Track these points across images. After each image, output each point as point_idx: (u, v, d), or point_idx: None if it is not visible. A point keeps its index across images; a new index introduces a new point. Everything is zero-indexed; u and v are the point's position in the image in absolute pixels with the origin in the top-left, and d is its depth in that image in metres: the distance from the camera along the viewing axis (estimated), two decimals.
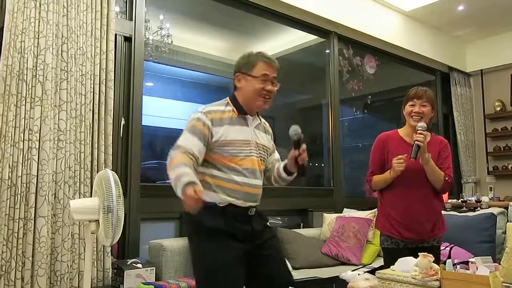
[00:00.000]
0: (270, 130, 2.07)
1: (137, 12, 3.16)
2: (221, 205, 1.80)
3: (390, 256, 2.26)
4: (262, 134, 1.99)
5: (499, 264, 2.61)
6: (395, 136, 2.40)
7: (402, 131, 2.43)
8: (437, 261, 2.00)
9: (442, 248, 3.10)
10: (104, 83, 2.79)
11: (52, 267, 2.49)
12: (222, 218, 1.80)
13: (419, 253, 1.77)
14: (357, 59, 4.96)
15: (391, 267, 1.89)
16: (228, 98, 1.95)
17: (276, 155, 2.10)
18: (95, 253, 2.62)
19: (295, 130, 1.84)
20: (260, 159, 1.93)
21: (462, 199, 4.65)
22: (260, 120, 2.02)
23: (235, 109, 1.90)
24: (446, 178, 2.27)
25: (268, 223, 1.99)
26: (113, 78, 2.83)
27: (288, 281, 1.96)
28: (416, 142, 2.17)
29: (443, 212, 2.44)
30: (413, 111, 2.34)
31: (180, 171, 1.65)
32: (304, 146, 1.84)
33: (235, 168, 1.84)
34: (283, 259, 2.05)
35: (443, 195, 2.41)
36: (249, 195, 1.86)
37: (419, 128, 2.23)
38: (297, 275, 2.93)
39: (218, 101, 1.96)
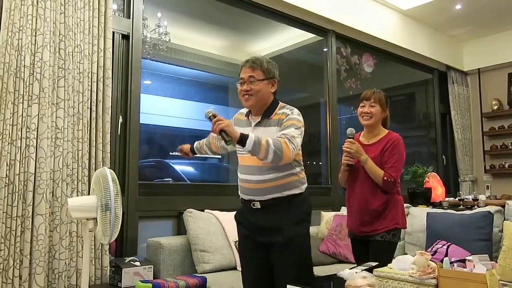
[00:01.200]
0: (282, 116, 2.03)
1: (134, 10, 3.16)
2: (241, 199, 2.13)
3: (351, 247, 2.64)
4: (266, 129, 2.03)
5: (496, 262, 2.62)
6: (357, 138, 2.61)
7: (362, 133, 2.65)
8: (386, 259, 2.10)
9: (439, 246, 3.12)
10: (102, 81, 2.79)
11: (50, 265, 2.49)
12: (239, 211, 2.17)
13: (416, 251, 1.78)
14: (355, 58, 4.97)
15: (388, 265, 1.90)
16: None
17: (281, 131, 1.99)
18: (93, 251, 2.62)
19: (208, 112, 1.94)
20: None
21: (459, 198, 4.66)
22: (269, 116, 2.06)
23: (246, 113, 2.17)
24: (385, 178, 2.39)
25: (283, 224, 1.99)
26: (110, 76, 2.83)
27: None
28: (344, 162, 2.50)
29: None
30: (363, 111, 2.54)
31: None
32: (217, 118, 1.88)
33: (240, 166, 2.12)
34: (288, 277, 1.90)
35: (397, 193, 2.50)
36: (247, 190, 2.07)
37: (348, 135, 2.52)
38: None
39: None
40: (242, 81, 2.05)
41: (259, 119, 2.07)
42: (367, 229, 2.45)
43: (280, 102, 2.12)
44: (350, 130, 2.54)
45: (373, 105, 2.51)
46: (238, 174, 2.13)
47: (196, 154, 2.42)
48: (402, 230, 2.55)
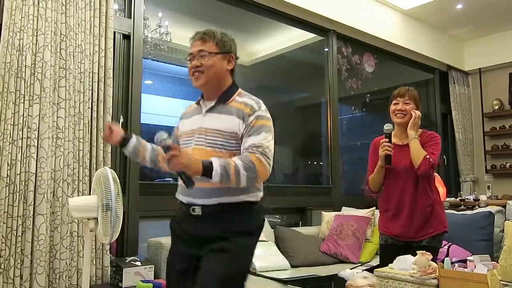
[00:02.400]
0: (246, 110, 1.66)
1: (135, 10, 3.16)
2: (178, 202, 1.74)
3: (381, 252, 2.47)
4: (221, 116, 1.67)
5: (497, 262, 2.62)
6: (384, 141, 2.44)
7: (392, 133, 2.46)
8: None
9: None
10: (103, 81, 2.79)
11: (51, 264, 2.49)
12: (174, 218, 1.79)
13: (417, 251, 1.78)
14: (356, 58, 4.96)
15: (389, 265, 1.90)
16: None
17: (248, 141, 1.63)
18: (94, 251, 2.62)
19: (160, 137, 1.51)
20: (211, 147, 1.63)
21: (460, 198, 4.66)
22: (226, 101, 1.70)
23: (198, 100, 1.81)
24: (427, 156, 2.26)
25: (222, 234, 1.61)
26: (111, 76, 2.83)
27: None
28: (383, 153, 2.31)
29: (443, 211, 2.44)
30: (396, 109, 2.41)
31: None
32: (172, 152, 1.47)
33: None
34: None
35: (438, 195, 2.40)
36: (186, 190, 1.63)
37: (384, 131, 2.34)
38: (295, 273, 2.93)
39: None
40: (191, 56, 1.71)
41: (213, 104, 1.71)
42: (416, 234, 2.30)
43: (239, 88, 1.78)
44: (388, 126, 2.35)
45: (408, 103, 2.40)
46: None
47: (125, 146, 1.84)
48: None
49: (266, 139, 1.63)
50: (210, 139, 1.64)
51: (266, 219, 1.80)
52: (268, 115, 1.70)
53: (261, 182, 1.67)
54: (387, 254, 2.32)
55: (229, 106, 1.68)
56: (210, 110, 1.71)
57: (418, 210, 2.30)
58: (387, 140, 2.32)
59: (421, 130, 2.43)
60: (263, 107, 1.70)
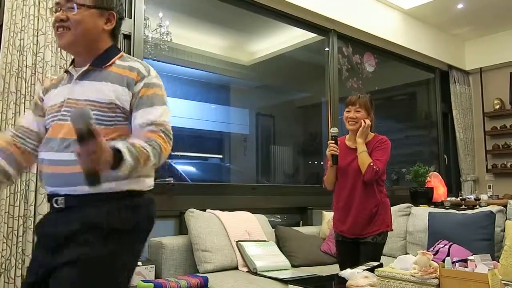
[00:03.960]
0: (132, 75, 1.36)
1: (136, 10, 3.16)
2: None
3: (337, 248, 2.66)
4: (97, 84, 1.35)
5: (498, 262, 2.61)
6: (341, 141, 2.64)
7: (346, 136, 2.68)
8: (376, 259, 2.31)
9: (441, 246, 3.12)
10: None
11: None
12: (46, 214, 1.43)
13: (418, 251, 1.78)
14: (357, 57, 4.96)
15: (390, 264, 1.90)
16: None
17: (141, 116, 1.33)
18: None
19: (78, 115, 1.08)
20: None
21: (461, 197, 4.66)
22: (103, 65, 1.38)
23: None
24: (371, 164, 2.43)
25: (84, 235, 1.24)
26: None
27: None
28: (329, 153, 2.51)
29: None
30: (348, 116, 2.57)
31: None
32: (88, 146, 1.06)
33: (43, 142, 1.39)
34: None
35: (385, 196, 2.56)
36: (50, 175, 1.33)
37: (331, 134, 2.55)
38: (296, 273, 2.94)
39: None
40: (57, 7, 1.37)
41: (85, 69, 1.37)
42: (361, 232, 2.49)
43: (122, 52, 1.46)
44: (334, 130, 2.57)
45: (358, 110, 2.54)
46: (40, 153, 1.39)
47: None
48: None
49: (164, 114, 1.36)
50: None
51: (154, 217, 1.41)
52: (160, 82, 1.42)
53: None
54: (341, 251, 2.61)
55: (107, 71, 1.37)
56: (81, 77, 1.38)
57: (364, 209, 2.48)
58: (333, 141, 2.51)
59: (373, 134, 2.60)
60: (154, 72, 1.42)
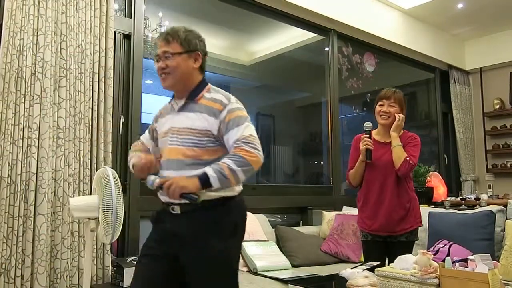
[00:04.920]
0: (216, 106, 1.66)
1: (136, 10, 3.16)
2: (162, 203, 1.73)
3: (364, 249, 2.56)
4: (191, 114, 1.67)
5: (498, 261, 2.61)
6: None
7: (375, 131, 2.60)
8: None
9: (441, 245, 3.11)
10: (103, 80, 2.79)
11: (51, 264, 2.49)
12: (156, 213, 1.75)
13: (418, 251, 1.78)
14: (357, 57, 4.96)
15: (390, 264, 1.89)
16: None
17: (232, 137, 1.62)
18: (95, 251, 2.62)
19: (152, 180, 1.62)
20: (185, 146, 1.64)
21: (461, 197, 4.66)
22: (194, 99, 1.70)
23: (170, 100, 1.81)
24: (407, 158, 2.39)
25: (199, 238, 1.61)
26: (112, 76, 2.83)
27: None
28: (363, 147, 2.43)
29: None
30: (381, 110, 2.52)
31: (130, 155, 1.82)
32: (165, 185, 1.56)
33: (162, 161, 1.75)
34: None
35: (414, 192, 2.53)
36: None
37: (364, 128, 2.47)
38: (296, 272, 2.93)
39: None
40: (157, 58, 1.71)
41: (183, 103, 1.71)
42: (395, 228, 2.41)
43: (209, 84, 1.77)
44: (368, 124, 2.50)
45: (392, 105, 2.50)
46: (160, 171, 1.75)
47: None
48: None
49: (246, 129, 1.62)
50: (182, 138, 1.65)
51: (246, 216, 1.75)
52: (240, 105, 1.70)
53: (258, 168, 1.63)
54: (370, 252, 2.49)
55: (199, 104, 1.68)
56: (180, 109, 1.71)
57: (398, 205, 2.41)
58: (367, 136, 2.45)
59: (402, 131, 2.55)
60: (233, 98, 1.70)
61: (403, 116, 2.48)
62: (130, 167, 1.77)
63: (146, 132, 1.90)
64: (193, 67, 1.71)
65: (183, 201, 1.58)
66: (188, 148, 1.63)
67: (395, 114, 2.47)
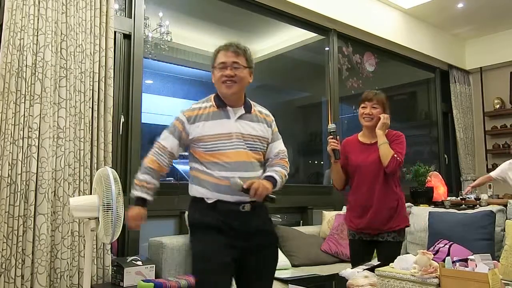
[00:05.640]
0: (269, 118, 2.00)
1: (136, 10, 3.16)
2: (209, 201, 1.84)
3: (350, 248, 2.59)
4: (252, 124, 1.92)
5: (498, 261, 2.61)
6: (353, 139, 2.61)
7: (360, 133, 2.62)
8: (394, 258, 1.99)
9: (441, 245, 3.11)
10: (104, 80, 2.79)
11: (52, 264, 2.50)
12: (211, 213, 1.83)
13: (418, 251, 1.78)
14: (357, 57, 4.96)
15: (390, 264, 1.89)
16: (212, 94, 1.97)
17: (276, 147, 2.00)
18: (95, 251, 2.62)
19: (236, 182, 1.78)
20: (252, 150, 1.88)
21: (461, 197, 4.65)
22: (250, 110, 1.94)
23: (214, 104, 1.92)
24: (395, 155, 2.40)
25: (268, 227, 1.95)
26: (112, 75, 2.83)
27: None
28: (330, 148, 2.46)
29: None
30: (364, 112, 2.52)
31: (140, 178, 1.90)
32: (254, 187, 1.77)
33: (217, 163, 1.84)
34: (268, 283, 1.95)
35: (400, 191, 2.52)
36: (233, 191, 1.81)
37: (329, 131, 2.49)
38: (296, 272, 2.94)
39: (203, 99, 1.98)
40: (223, 65, 1.86)
41: (243, 112, 1.92)
42: (382, 226, 2.42)
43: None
44: (332, 126, 2.51)
45: (375, 107, 2.51)
46: (217, 171, 1.83)
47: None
48: None
49: (282, 144, 2.04)
50: (249, 143, 1.88)
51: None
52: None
53: None
54: (356, 251, 2.52)
55: (253, 115, 1.94)
56: (241, 117, 1.91)
57: (386, 205, 2.42)
58: (331, 137, 2.46)
59: (387, 130, 2.55)
60: (270, 113, 2.05)
61: (388, 115, 2.50)
62: (127, 220, 1.93)
63: (170, 134, 1.91)
64: (249, 81, 1.94)
65: (250, 199, 1.81)
66: (254, 152, 1.89)
67: (378, 115, 2.49)
